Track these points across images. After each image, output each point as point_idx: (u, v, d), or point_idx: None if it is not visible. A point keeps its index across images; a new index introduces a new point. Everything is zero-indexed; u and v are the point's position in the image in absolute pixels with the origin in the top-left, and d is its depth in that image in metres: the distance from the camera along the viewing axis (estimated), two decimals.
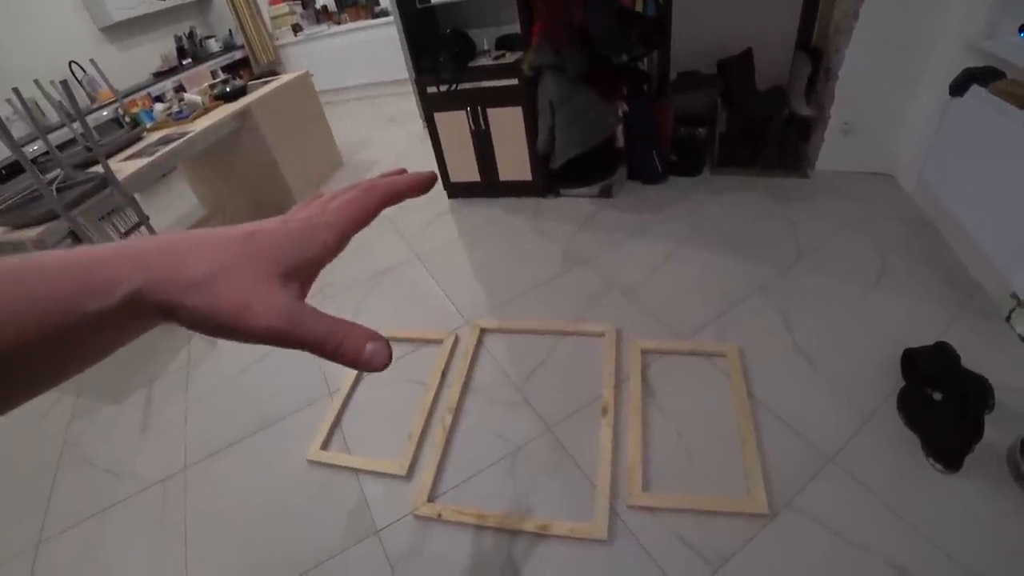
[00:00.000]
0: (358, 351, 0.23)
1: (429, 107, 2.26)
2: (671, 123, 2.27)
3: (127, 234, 2.38)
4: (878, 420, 1.38)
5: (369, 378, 1.75)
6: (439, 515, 1.33)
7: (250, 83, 2.92)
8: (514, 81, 2.08)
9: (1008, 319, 1.55)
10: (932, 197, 1.86)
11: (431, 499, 1.37)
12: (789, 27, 2.21)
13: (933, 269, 1.74)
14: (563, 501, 1.32)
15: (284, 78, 2.93)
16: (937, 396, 1.38)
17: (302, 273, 0.25)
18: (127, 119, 2.68)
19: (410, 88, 3.44)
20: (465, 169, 2.42)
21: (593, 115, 2.00)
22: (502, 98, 2.14)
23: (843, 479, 1.27)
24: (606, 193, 2.30)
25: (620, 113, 2.10)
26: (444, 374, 1.69)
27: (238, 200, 3.03)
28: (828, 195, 2.11)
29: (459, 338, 1.81)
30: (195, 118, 2.57)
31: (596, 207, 2.30)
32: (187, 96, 2.65)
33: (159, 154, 2.23)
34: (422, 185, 0.30)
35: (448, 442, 1.50)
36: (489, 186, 2.45)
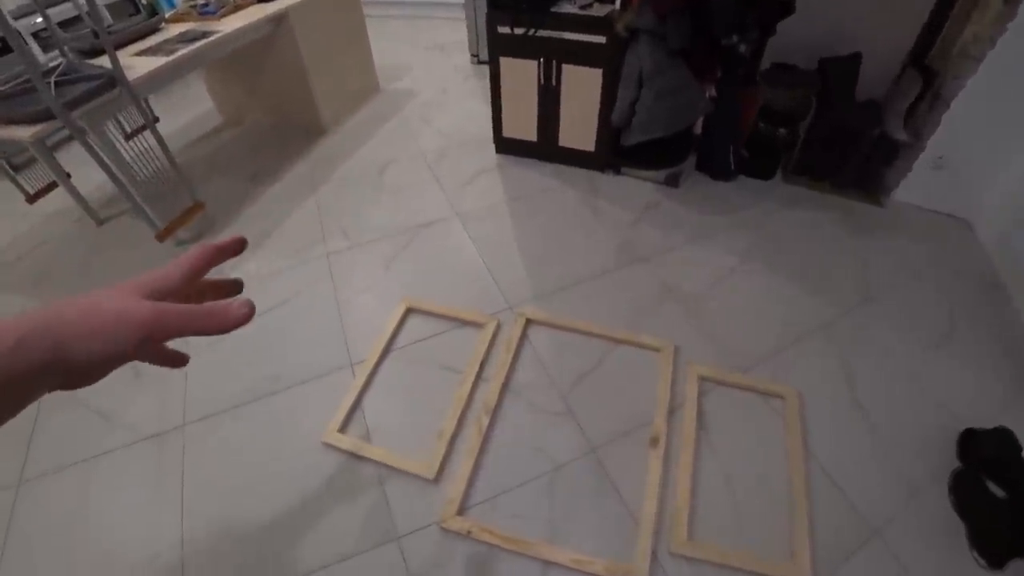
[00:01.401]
0: (225, 313, 0.30)
1: (496, 48, 1.93)
2: (754, 117, 2.01)
3: (131, 137, 2.05)
4: (927, 498, 1.31)
5: (398, 355, 1.58)
6: (469, 532, 1.23)
7: None
8: (601, 39, 1.77)
9: None
10: (1013, 257, 1.72)
11: (460, 512, 1.26)
12: (906, 38, 1.93)
13: (997, 339, 1.63)
14: (601, 534, 1.24)
15: None
16: (993, 487, 1.31)
17: (158, 296, 0.32)
18: (144, 2, 2.24)
19: (463, 16, 3.01)
20: (521, 125, 2.13)
21: (685, 96, 1.73)
22: (582, 56, 1.83)
23: (885, 557, 1.22)
24: (672, 182, 2.07)
25: (709, 98, 1.84)
26: (482, 365, 1.53)
27: (259, 114, 2.67)
28: (902, 232, 1.94)
29: (501, 325, 1.63)
30: (223, 16, 2.16)
31: (659, 195, 2.08)
32: None
33: (179, 54, 1.86)
34: (237, 247, 0.38)
35: (483, 449, 1.37)
36: (544, 148, 2.18)
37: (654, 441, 1.38)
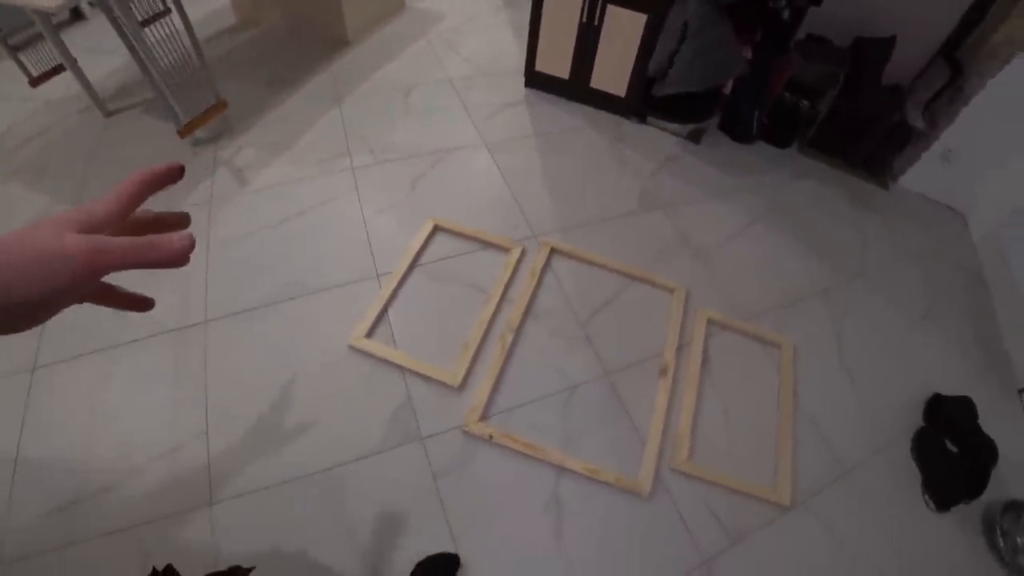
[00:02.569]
0: (167, 245, 0.28)
1: None
2: (783, 85, 2.08)
3: (146, 24, 1.95)
4: (893, 448, 1.49)
5: (424, 270, 1.63)
6: (490, 436, 1.32)
7: None
8: None
9: (1021, 392, 1.66)
10: (999, 257, 1.89)
11: (483, 418, 1.35)
12: (942, 28, 2.01)
13: (971, 325, 1.80)
14: (611, 450, 1.36)
15: None
16: (949, 445, 1.49)
17: (92, 229, 0.29)
18: None
19: None
20: (555, 61, 2.12)
21: (724, 55, 1.78)
22: None
23: (852, 492, 1.39)
24: (695, 138, 2.13)
25: (745, 60, 1.88)
26: (507, 287, 1.60)
27: (278, 16, 2.52)
28: (903, 216, 2.08)
29: (526, 252, 1.70)
30: None
31: (680, 148, 2.14)
32: None
33: None
34: (174, 174, 0.35)
35: (505, 363, 1.45)
36: (574, 88, 2.19)
37: (663, 372, 1.50)
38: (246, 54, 2.43)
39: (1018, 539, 1.33)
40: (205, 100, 1.88)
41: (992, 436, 1.46)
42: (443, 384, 1.40)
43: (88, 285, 0.29)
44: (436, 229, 1.73)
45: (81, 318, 1.46)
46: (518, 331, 1.52)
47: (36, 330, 1.43)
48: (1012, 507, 1.38)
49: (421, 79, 2.31)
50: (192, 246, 0.29)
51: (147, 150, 1.95)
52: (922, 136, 2.08)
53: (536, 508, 1.26)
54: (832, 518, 1.33)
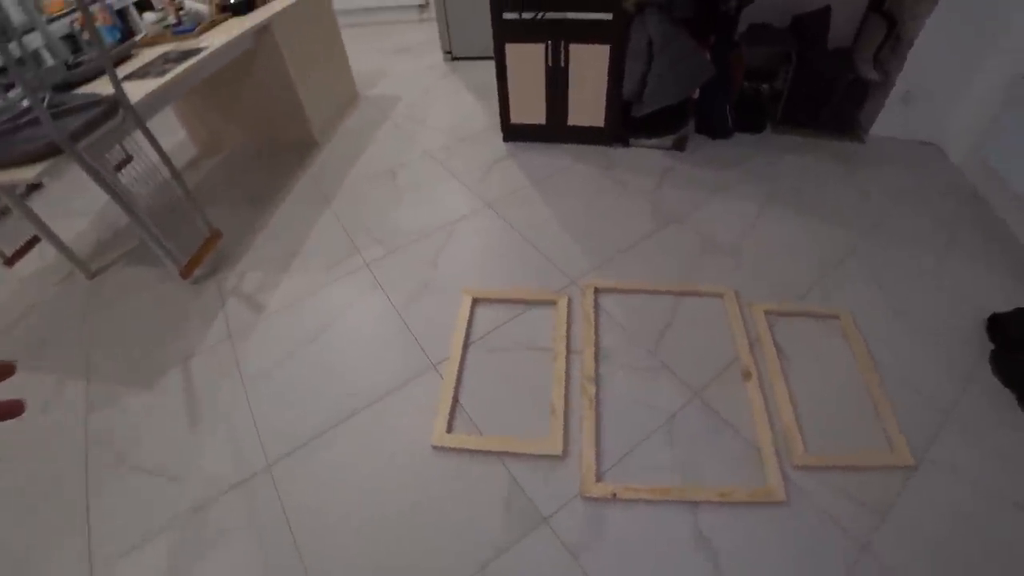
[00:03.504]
0: None
1: (501, 36, 1.99)
2: (742, 76, 2.21)
3: (118, 168, 1.92)
4: (978, 379, 1.53)
5: (478, 346, 1.61)
6: (614, 495, 1.29)
7: None
8: (607, 16, 1.89)
9: None
10: (987, 171, 2.02)
11: (599, 478, 1.32)
12: None
13: (990, 240, 1.92)
14: (730, 467, 1.35)
15: None
16: None
17: None
18: (82, 33, 2.09)
19: (423, 16, 3.07)
20: (530, 109, 2.20)
21: (694, 62, 1.89)
22: (589, 33, 1.94)
23: (962, 431, 1.41)
24: (680, 146, 2.23)
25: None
26: (568, 339, 1.60)
27: (240, 138, 2.54)
28: (886, 163, 2.22)
29: (571, 299, 1.71)
30: (200, 33, 2.06)
31: (670, 160, 2.23)
32: (189, 3, 2.09)
33: (173, 73, 1.76)
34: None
35: (597, 415, 1.44)
36: (554, 130, 2.27)
37: (747, 375, 1.51)
38: (218, 180, 2.42)
39: None
40: (198, 234, 1.85)
41: None
42: (546, 457, 1.36)
43: None
44: (475, 301, 1.73)
45: (128, 499, 1.41)
46: (596, 378, 1.51)
47: (81, 521, 1.33)
48: None
49: (401, 160, 2.35)
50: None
51: (145, 299, 1.89)
52: (879, 86, 2.24)
53: (686, 550, 1.23)
54: (955, 462, 1.34)
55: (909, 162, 2.22)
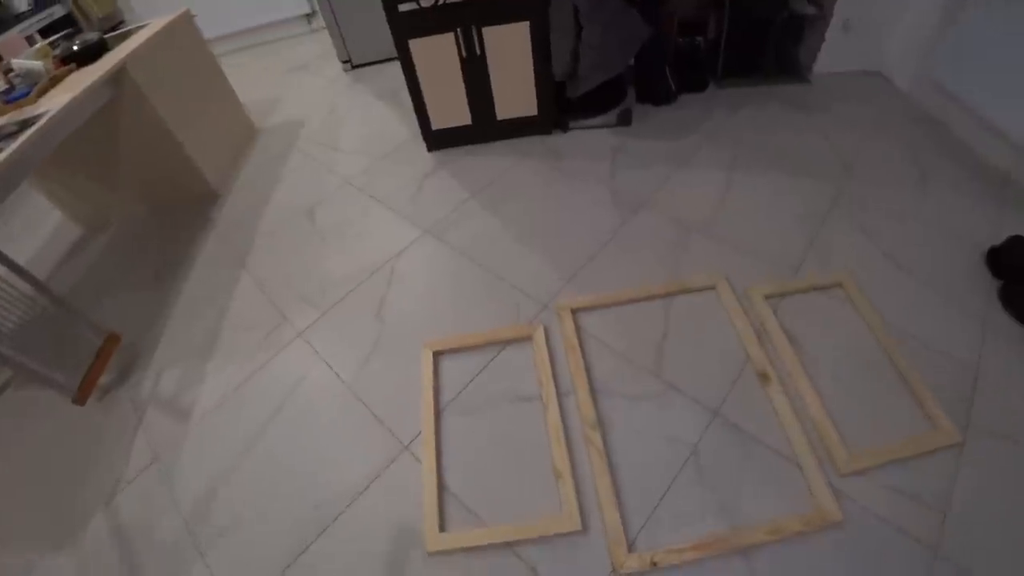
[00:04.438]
0: None
1: (401, 33, 1.69)
2: (675, 34, 2.02)
3: None
4: (994, 320, 1.43)
5: (453, 411, 1.36)
6: (653, 563, 1.09)
7: (108, 36, 1.93)
8: None
9: None
10: (938, 91, 1.93)
11: (630, 548, 1.12)
12: None
13: (960, 166, 1.83)
14: (774, 493, 1.18)
15: (158, 23, 1.99)
16: None
17: None
18: None
19: (312, 26, 2.68)
20: (451, 111, 1.92)
21: (629, 24, 1.67)
22: (503, 11, 1.68)
23: (994, 387, 1.30)
24: (625, 120, 2.02)
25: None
26: (555, 379, 1.37)
27: (128, 205, 2.12)
28: (837, 100, 2.10)
29: (548, 328, 1.47)
30: (40, 94, 1.65)
31: (618, 138, 2.02)
32: (18, 63, 1.66)
33: (9, 151, 1.36)
34: None
35: (612, 466, 1.22)
36: (482, 129, 2.00)
37: (764, 378, 1.34)
38: (111, 260, 2.01)
39: None
40: (89, 344, 1.49)
41: None
42: (564, 535, 1.14)
43: None
44: (437, 355, 1.46)
45: None
46: (599, 422, 1.29)
47: None
48: None
49: (317, 195, 2.02)
50: None
51: (44, 431, 1.51)
52: (816, 20, 2.10)
53: None
54: (1000, 423, 1.23)
55: (859, 96, 2.11)
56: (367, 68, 2.53)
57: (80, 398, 1.43)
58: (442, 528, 1.17)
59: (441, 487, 1.22)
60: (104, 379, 1.54)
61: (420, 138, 2.02)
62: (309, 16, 2.74)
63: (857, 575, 1.06)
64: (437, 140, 2.01)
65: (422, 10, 1.63)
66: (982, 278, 1.53)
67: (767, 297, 1.50)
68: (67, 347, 1.45)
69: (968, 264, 1.56)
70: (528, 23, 1.69)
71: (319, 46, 2.68)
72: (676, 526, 1.14)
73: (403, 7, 1.62)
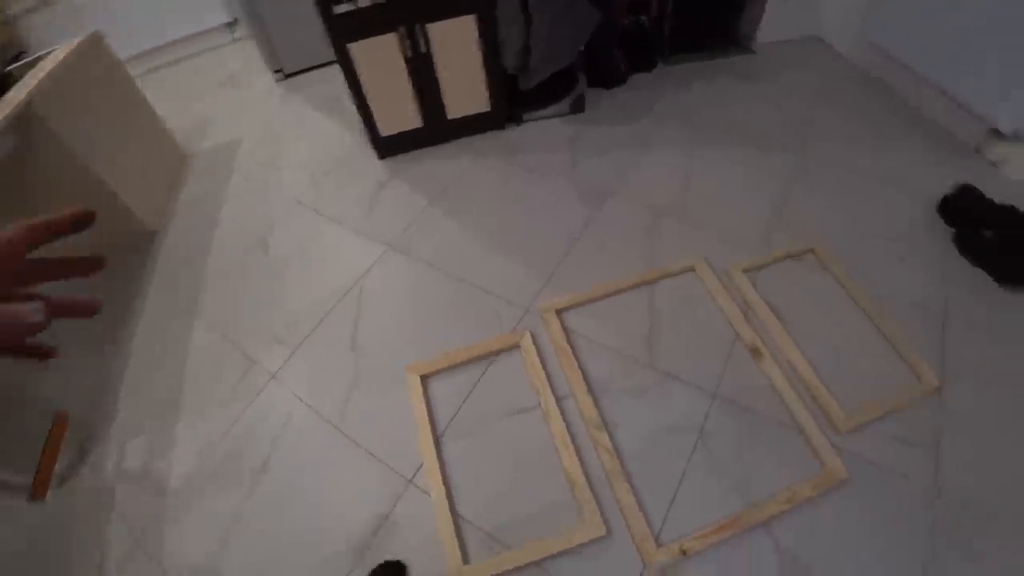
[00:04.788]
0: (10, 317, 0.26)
1: (340, 36, 1.60)
2: (625, 13, 2.02)
3: None
4: (953, 267, 1.54)
5: (451, 435, 1.33)
6: (683, 552, 1.11)
7: (10, 69, 1.71)
8: None
9: (978, 151, 1.82)
10: (876, 52, 2.03)
11: (658, 543, 1.14)
12: None
13: (907, 122, 1.95)
14: (782, 461, 1.24)
15: (63, 49, 1.77)
16: (987, 233, 1.57)
17: None
18: None
19: (235, 35, 2.49)
20: (400, 114, 1.85)
21: (578, 11, 1.65)
22: (449, 6, 1.62)
23: (966, 327, 1.41)
24: (578, 107, 2.01)
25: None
26: (551, 383, 1.36)
27: (52, 255, 1.88)
28: (783, 68, 2.18)
29: (535, 333, 1.46)
30: None
31: (573, 126, 2.01)
32: None
33: None
34: (74, 220, 0.32)
35: (623, 465, 1.24)
36: (434, 131, 1.94)
37: (756, 352, 1.38)
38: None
39: None
40: (34, 429, 1.34)
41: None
42: (590, 543, 1.14)
43: None
44: (425, 378, 1.42)
45: None
46: (603, 421, 1.30)
47: None
48: None
49: (266, 222, 1.89)
50: (44, 321, 0.27)
51: (5, 535, 1.35)
52: None
53: (767, 569, 1.09)
54: (973, 363, 1.34)
55: (803, 62, 2.20)
56: (302, 76, 2.40)
57: (37, 493, 1.29)
58: (465, 560, 1.14)
59: (455, 516, 1.20)
60: (60, 464, 1.40)
61: (369, 146, 1.95)
62: (230, 25, 2.55)
63: (870, 525, 1.14)
64: (387, 147, 1.94)
65: (360, 10, 1.55)
66: (938, 228, 1.64)
67: (745, 271, 1.54)
68: (10, 437, 1.30)
69: (924, 216, 1.67)
70: (475, 16, 1.64)
71: (245, 57, 2.51)
72: (697, 512, 1.17)
73: (339, 8, 1.54)
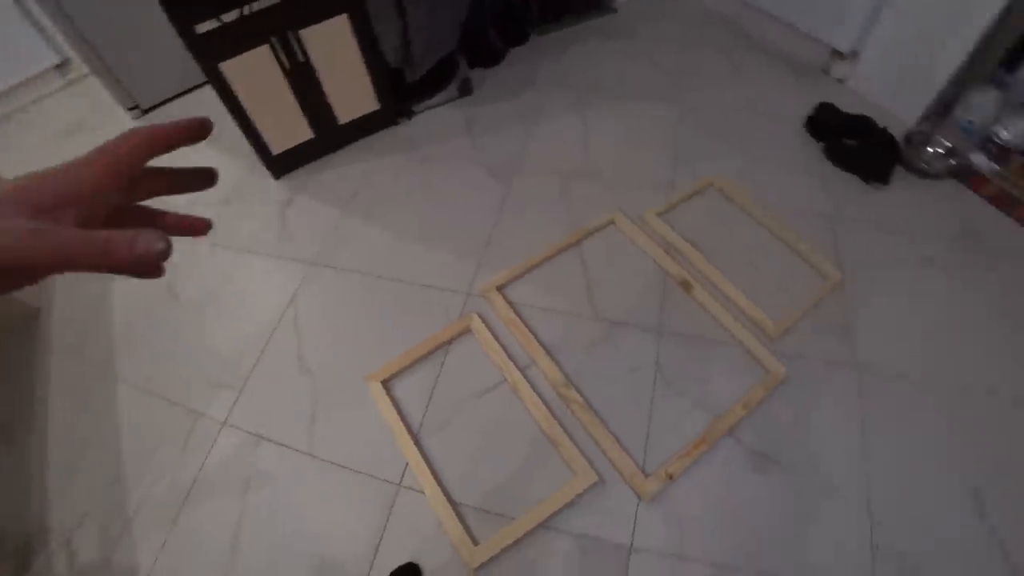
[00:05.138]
0: (126, 247, 0.24)
1: (208, 58, 1.52)
2: None
3: None
4: (830, 178, 1.79)
5: (428, 431, 1.35)
6: (669, 476, 1.24)
7: None
8: None
9: (825, 71, 2.10)
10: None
11: (644, 474, 1.25)
12: None
13: (761, 54, 2.20)
14: (734, 375, 1.40)
15: None
16: (849, 142, 1.83)
17: (60, 202, 0.26)
18: None
19: (68, 77, 2.24)
20: (289, 129, 1.80)
21: None
22: (317, 9, 1.59)
23: (848, 223, 1.67)
24: (466, 90, 2.06)
25: None
26: (510, 358, 1.43)
27: None
28: (647, 22, 2.37)
29: (482, 314, 1.51)
30: None
31: (465, 110, 2.06)
32: None
33: None
34: (192, 129, 0.30)
35: (596, 413, 1.33)
36: (328, 139, 1.90)
37: (686, 285, 1.53)
38: None
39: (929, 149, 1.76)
40: None
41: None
42: (586, 492, 1.23)
43: (33, 277, 0.26)
44: (386, 383, 1.43)
45: None
46: (568, 379, 1.39)
47: None
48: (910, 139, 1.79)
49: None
50: (164, 251, 0.24)
51: None
52: None
53: (752, 474, 1.25)
54: (863, 253, 1.60)
55: (663, 14, 2.41)
56: (166, 107, 2.22)
57: None
58: (475, 542, 1.19)
59: (454, 505, 1.23)
60: None
61: (261, 168, 1.87)
62: (61, 67, 2.29)
63: (814, 409, 1.33)
64: (282, 165, 1.87)
65: (225, 26, 1.48)
66: (809, 144, 1.89)
67: (659, 215, 1.69)
68: None
69: (795, 135, 1.91)
70: (347, 16, 1.63)
71: (89, 97, 2.26)
72: (673, 438, 1.30)
73: (201, 28, 1.46)
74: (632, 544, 1.18)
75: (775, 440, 1.29)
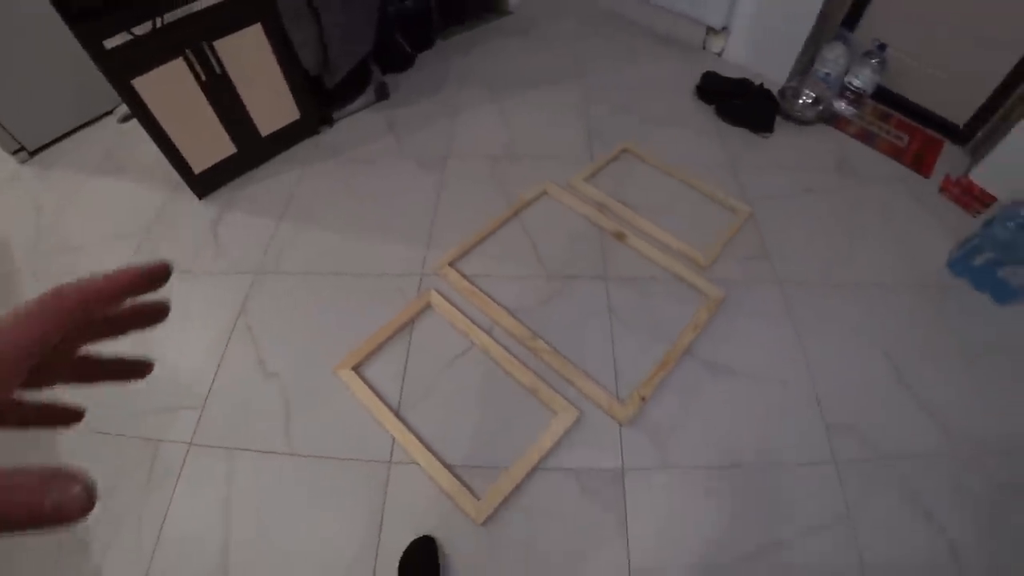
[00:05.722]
0: (45, 496, 0.19)
1: (120, 75, 1.52)
2: None
3: None
4: (724, 133, 2.08)
5: (410, 406, 1.42)
6: (642, 399, 1.40)
7: None
8: None
9: (704, 47, 2.43)
10: None
11: (619, 400, 1.39)
12: None
13: (648, 38, 2.52)
14: (679, 305, 1.60)
15: None
16: (736, 102, 2.14)
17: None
18: None
19: None
20: (209, 145, 1.81)
21: None
22: (229, 19, 1.64)
23: (747, 167, 1.96)
24: (383, 94, 2.17)
25: None
26: (473, 322, 1.53)
27: None
28: (543, 20, 2.65)
29: (441, 290, 1.61)
30: None
31: (384, 113, 2.17)
32: None
33: None
34: (152, 278, 0.27)
35: (564, 356, 1.47)
36: (251, 153, 1.93)
37: (620, 236, 1.72)
38: None
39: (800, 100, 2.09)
40: None
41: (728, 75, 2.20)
42: (571, 429, 1.35)
43: None
44: (356, 369, 1.48)
45: None
46: (532, 333, 1.51)
47: None
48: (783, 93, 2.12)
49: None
50: (87, 506, 0.19)
51: None
52: None
53: (713, 378, 1.44)
54: (763, 189, 1.89)
55: (558, 12, 2.70)
56: (56, 146, 2.12)
57: None
58: (477, 499, 1.26)
59: (450, 469, 1.30)
60: None
61: (184, 188, 1.86)
62: None
63: (752, 320, 1.55)
64: (206, 183, 1.87)
65: (137, 40, 1.50)
66: (702, 107, 2.18)
67: (585, 181, 1.88)
68: None
69: (688, 101, 2.20)
70: (260, 24, 1.70)
71: None
72: (639, 366, 1.46)
73: (110, 43, 1.47)
74: (623, 465, 1.31)
75: (726, 352, 1.49)
